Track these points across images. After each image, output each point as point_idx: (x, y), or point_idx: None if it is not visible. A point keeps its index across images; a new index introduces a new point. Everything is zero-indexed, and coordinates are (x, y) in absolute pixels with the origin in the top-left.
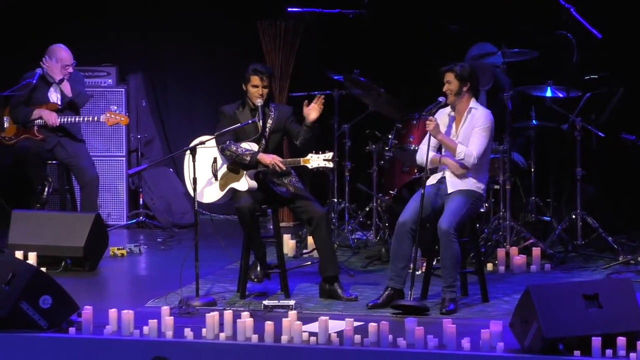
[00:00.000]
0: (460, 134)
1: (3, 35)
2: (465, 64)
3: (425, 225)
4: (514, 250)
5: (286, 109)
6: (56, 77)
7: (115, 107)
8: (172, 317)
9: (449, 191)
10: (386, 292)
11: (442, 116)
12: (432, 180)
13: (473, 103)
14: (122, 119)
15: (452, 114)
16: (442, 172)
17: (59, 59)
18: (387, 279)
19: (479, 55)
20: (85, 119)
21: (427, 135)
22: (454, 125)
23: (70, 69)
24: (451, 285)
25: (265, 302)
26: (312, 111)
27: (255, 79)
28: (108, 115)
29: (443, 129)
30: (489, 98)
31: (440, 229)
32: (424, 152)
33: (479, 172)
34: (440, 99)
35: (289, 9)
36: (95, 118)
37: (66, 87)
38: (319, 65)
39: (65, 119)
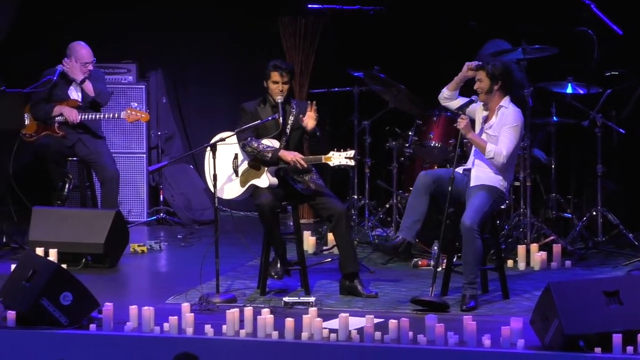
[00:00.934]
0: (489, 132)
1: (23, 32)
2: (497, 63)
3: (445, 222)
4: (534, 247)
5: (307, 106)
6: (77, 77)
7: (136, 104)
8: (192, 314)
9: (472, 184)
10: (397, 239)
11: (478, 111)
12: (459, 170)
13: (504, 102)
14: (143, 115)
15: (483, 113)
16: (469, 165)
17: (78, 58)
18: (399, 229)
19: (495, 52)
20: (106, 115)
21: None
22: (483, 122)
23: (90, 67)
24: (472, 282)
25: (286, 299)
26: (308, 120)
27: (275, 75)
28: (128, 112)
29: (478, 125)
30: None
31: (463, 225)
32: (443, 92)
33: (506, 170)
34: (474, 97)
35: (310, 6)
36: (116, 115)
37: (88, 87)
38: (339, 62)
39: (86, 116)
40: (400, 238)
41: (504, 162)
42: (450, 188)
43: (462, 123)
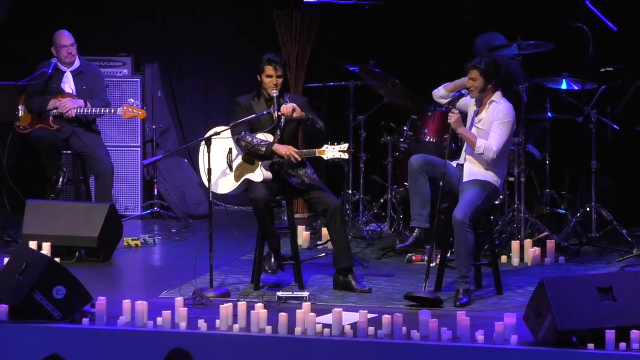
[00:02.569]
0: (479, 125)
1: (18, 24)
2: (489, 60)
3: (439, 217)
4: (528, 242)
5: (301, 99)
6: (69, 114)
7: (133, 101)
8: (185, 308)
9: (465, 179)
10: (414, 234)
11: (470, 106)
12: (452, 163)
13: (496, 96)
14: (140, 112)
15: (475, 107)
16: (461, 160)
17: (57, 44)
18: (410, 220)
19: (493, 47)
20: (102, 111)
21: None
22: (474, 116)
23: (64, 50)
24: (464, 276)
25: (279, 294)
26: (286, 111)
27: (269, 69)
28: (125, 108)
29: (469, 120)
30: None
31: (455, 218)
32: (440, 90)
33: (498, 165)
34: (464, 91)
35: (305, 0)
36: (112, 110)
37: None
38: (335, 56)
39: (81, 111)
40: (417, 230)
41: (493, 157)
42: (441, 183)
43: (452, 117)
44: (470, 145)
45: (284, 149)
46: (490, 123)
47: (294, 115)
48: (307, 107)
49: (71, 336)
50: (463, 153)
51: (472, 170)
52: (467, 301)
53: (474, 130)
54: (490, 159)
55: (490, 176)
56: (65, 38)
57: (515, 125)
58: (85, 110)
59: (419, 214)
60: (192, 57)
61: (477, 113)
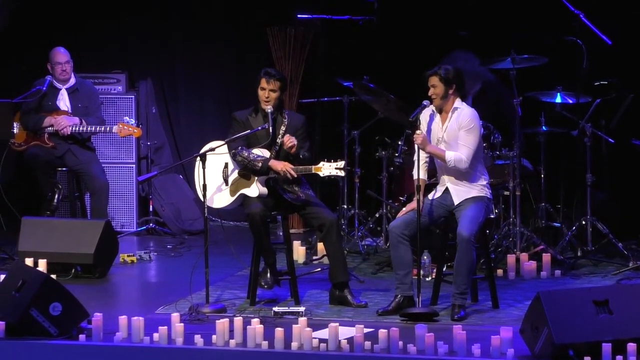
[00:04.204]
0: (445, 134)
1: (13, 42)
2: (449, 66)
3: (434, 232)
4: (524, 256)
5: (299, 118)
6: (65, 131)
7: (128, 119)
8: (182, 324)
9: (457, 202)
10: (395, 300)
11: (423, 116)
12: (437, 193)
13: (458, 103)
14: (135, 131)
15: (432, 112)
16: (444, 184)
17: (53, 61)
18: (394, 287)
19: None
20: (97, 129)
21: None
22: (438, 125)
23: (59, 67)
24: (463, 292)
25: (275, 309)
26: (288, 144)
27: (263, 81)
28: (121, 126)
29: (424, 128)
30: (475, 99)
31: (461, 235)
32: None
33: (475, 172)
34: (425, 102)
35: (299, 16)
36: (108, 128)
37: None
38: (329, 72)
39: (76, 129)
40: (399, 297)
41: (466, 167)
42: (418, 196)
43: (418, 138)
44: (440, 160)
45: (280, 165)
46: (457, 130)
47: (290, 150)
48: (304, 127)
49: (68, 353)
50: (442, 178)
51: (458, 191)
52: (464, 315)
53: (442, 145)
54: (463, 169)
55: (478, 190)
56: (60, 55)
57: (482, 130)
58: (81, 128)
59: (402, 282)
60: (186, 73)
61: (434, 120)
